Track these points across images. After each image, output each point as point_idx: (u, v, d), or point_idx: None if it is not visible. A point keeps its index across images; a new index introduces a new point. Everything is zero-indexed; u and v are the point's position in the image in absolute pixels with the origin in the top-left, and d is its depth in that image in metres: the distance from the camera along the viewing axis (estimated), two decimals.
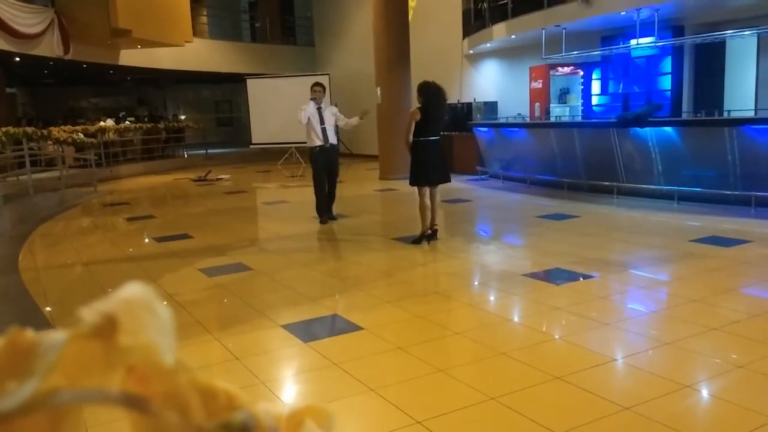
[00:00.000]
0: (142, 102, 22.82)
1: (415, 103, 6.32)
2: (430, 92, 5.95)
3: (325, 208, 7.46)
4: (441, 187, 6.21)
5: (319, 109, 7.20)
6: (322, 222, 7.39)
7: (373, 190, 10.66)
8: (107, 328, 0.26)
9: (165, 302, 0.30)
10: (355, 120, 7.58)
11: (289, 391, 3.06)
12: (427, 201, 6.08)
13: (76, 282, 5.46)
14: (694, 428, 2.51)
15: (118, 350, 0.26)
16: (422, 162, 5.99)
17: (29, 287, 5.05)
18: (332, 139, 7.32)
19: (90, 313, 0.27)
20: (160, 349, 0.27)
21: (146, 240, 7.11)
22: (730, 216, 6.71)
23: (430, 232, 6.12)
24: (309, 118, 7.17)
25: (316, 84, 7.36)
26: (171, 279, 5.28)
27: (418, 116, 5.88)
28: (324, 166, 7.34)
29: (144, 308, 0.27)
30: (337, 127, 7.53)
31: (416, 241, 6.10)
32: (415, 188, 6.15)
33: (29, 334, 0.26)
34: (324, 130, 7.21)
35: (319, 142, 7.23)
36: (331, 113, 7.35)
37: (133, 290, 0.27)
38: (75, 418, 0.25)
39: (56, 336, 0.26)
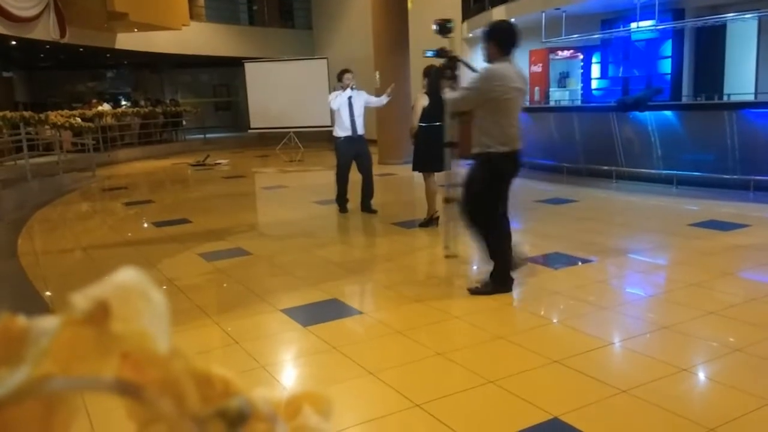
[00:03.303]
0: (137, 87, 22.73)
1: (415, 87, 6.28)
2: (437, 76, 5.91)
3: (343, 202, 7.19)
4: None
5: (350, 98, 6.82)
6: (342, 211, 7.15)
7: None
8: (100, 314, 0.26)
9: (160, 287, 0.29)
10: (384, 98, 7.17)
11: (288, 375, 3.07)
12: (435, 185, 6.07)
13: (75, 266, 5.46)
14: (691, 411, 2.53)
15: (111, 337, 0.25)
16: (428, 147, 5.96)
17: (28, 272, 5.06)
18: (360, 130, 6.92)
19: (82, 299, 0.26)
20: (154, 335, 0.26)
21: (145, 225, 7.11)
22: (728, 200, 6.71)
23: (438, 215, 6.12)
24: (339, 107, 6.84)
25: (347, 71, 6.96)
26: (170, 264, 5.28)
27: (426, 101, 5.83)
28: (350, 157, 7.01)
29: (138, 294, 0.27)
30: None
31: (424, 224, 6.10)
32: (418, 174, 6.14)
33: (21, 320, 0.26)
34: (353, 121, 6.85)
35: (345, 133, 6.90)
36: (360, 102, 6.92)
37: (127, 275, 0.27)
38: (69, 405, 0.25)
39: (48, 322, 0.26)
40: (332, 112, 7.04)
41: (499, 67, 3.84)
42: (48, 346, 0.24)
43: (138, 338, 0.26)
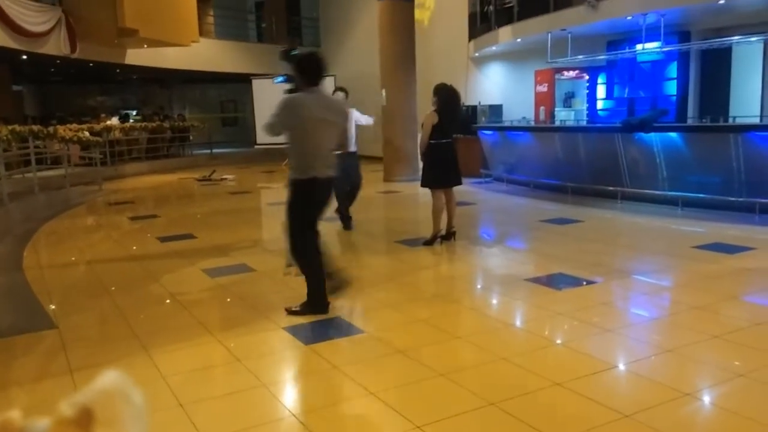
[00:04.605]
0: (145, 102, 22.96)
1: (421, 106, 6.33)
2: (447, 95, 5.97)
3: (345, 214, 7.23)
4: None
5: None
6: (346, 228, 7.17)
7: (377, 192, 10.66)
8: (85, 420, 0.27)
9: (138, 389, 0.31)
10: (371, 119, 7.44)
11: (289, 394, 3.06)
12: (442, 204, 6.10)
13: (80, 281, 5.48)
14: None
15: None
16: (438, 164, 6.00)
17: (33, 285, 5.07)
18: (352, 147, 7.05)
19: (68, 407, 0.28)
20: None
21: (150, 239, 7.13)
22: (734, 223, 6.69)
23: (444, 233, 6.14)
24: None
25: (340, 89, 7.14)
26: (173, 279, 5.29)
27: (436, 119, 5.89)
28: (343, 173, 7.09)
29: (119, 397, 0.29)
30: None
31: (428, 242, 6.11)
32: (427, 191, 6.17)
33: (17, 420, 0.27)
34: (346, 137, 6.85)
35: (338, 150, 7.00)
36: (351, 119, 6.95)
37: (109, 379, 0.29)
38: None
39: (41, 424, 0.27)
40: None
41: (299, 96, 3.99)
42: None
43: None
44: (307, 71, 4.01)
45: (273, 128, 4.09)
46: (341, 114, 4.19)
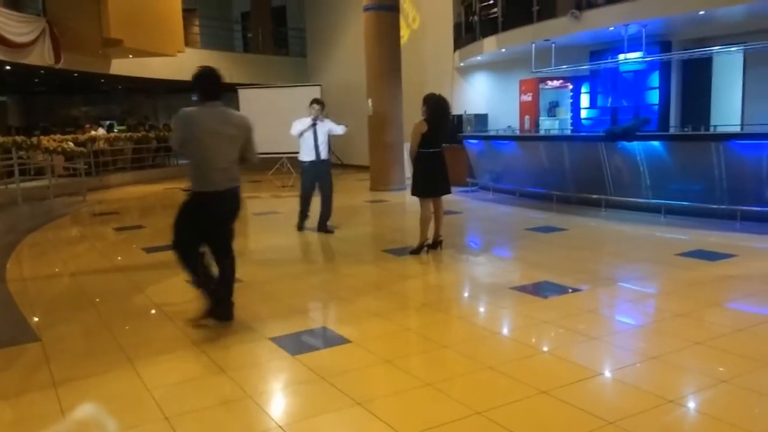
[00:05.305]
0: (131, 112, 22.83)
1: (407, 115, 6.35)
2: (436, 104, 6.01)
3: (302, 220, 7.73)
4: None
5: (314, 124, 7.29)
6: (300, 229, 7.72)
7: (364, 201, 10.67)
8: None
9: (109, 422, 0.32)
10: (344, 128, 7.67)
11: (275, 405, 3.05)
12: (430, 213, 6.12)
13: (64, 293, 5.42)
14: None
15: None
16: (428, 173, 6.04)
17: (16, 297, 5.02)
18: (323, 155, 7.41)
19: None
20: None
21: (135, 250, 7.08)
22: (716, 230, 6.78)
23: (430, 242, 6.17)
24: (302, 133, 7.33)
25: (314, 101, 7.49)
26: (158, 290, 5.26)
27: (425, 128, 5.92)
28: (312, 180, 7.50)
29: (94, 426, 0.30)
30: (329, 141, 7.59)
31: (414, 251, 6.12)
32: (414, 199, 6.20)
33: None
34: (316, 146, 7.33)
35: (309, 158, 7.39)
36: (324, 130, 7.39)
37: (85, 411, 0.30)
38: None
39: None
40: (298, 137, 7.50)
41: (192, 110, 4.04)
42: None
43: None
44: (202, 87, 4.06)
45: (173, 142, 4.16)
46: (240, 127, 4.17)
